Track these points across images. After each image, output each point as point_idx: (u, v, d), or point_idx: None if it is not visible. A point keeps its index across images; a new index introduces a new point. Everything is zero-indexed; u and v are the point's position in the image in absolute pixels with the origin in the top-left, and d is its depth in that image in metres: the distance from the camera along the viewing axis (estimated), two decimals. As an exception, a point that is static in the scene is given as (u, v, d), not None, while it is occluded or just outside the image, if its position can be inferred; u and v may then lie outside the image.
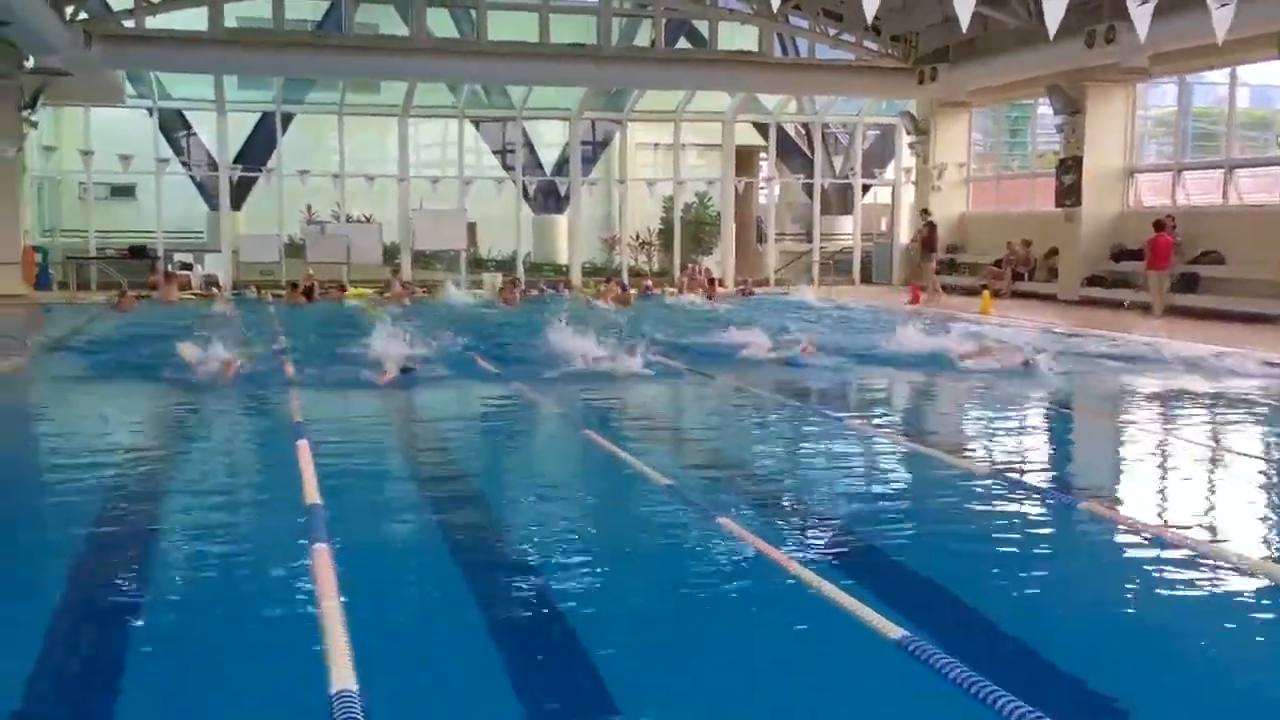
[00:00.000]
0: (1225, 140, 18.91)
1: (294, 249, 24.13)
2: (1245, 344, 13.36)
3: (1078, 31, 17.99)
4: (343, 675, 3.69)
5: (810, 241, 29.31)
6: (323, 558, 5.05)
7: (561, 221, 27.95)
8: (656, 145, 29.99)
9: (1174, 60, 18.07)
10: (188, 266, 23.35)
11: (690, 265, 25.31)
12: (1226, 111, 19.25)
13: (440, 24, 23.22)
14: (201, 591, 4.85)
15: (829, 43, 23.97)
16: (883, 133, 27.68)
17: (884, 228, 27.84)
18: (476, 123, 26.71)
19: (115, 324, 15.88)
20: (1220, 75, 19.36)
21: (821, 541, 5.56)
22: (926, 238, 22.11)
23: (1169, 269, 18.21)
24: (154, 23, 21.20)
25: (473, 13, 23.18)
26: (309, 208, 25.79)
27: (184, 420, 8.94)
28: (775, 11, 18.75)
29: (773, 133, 26.22)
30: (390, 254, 24.88)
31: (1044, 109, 24.76)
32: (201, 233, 25.95)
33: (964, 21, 11.03)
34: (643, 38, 24.85)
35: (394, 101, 24.57)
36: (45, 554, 5.36)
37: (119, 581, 4.93)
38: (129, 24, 20.85)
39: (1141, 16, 11.52)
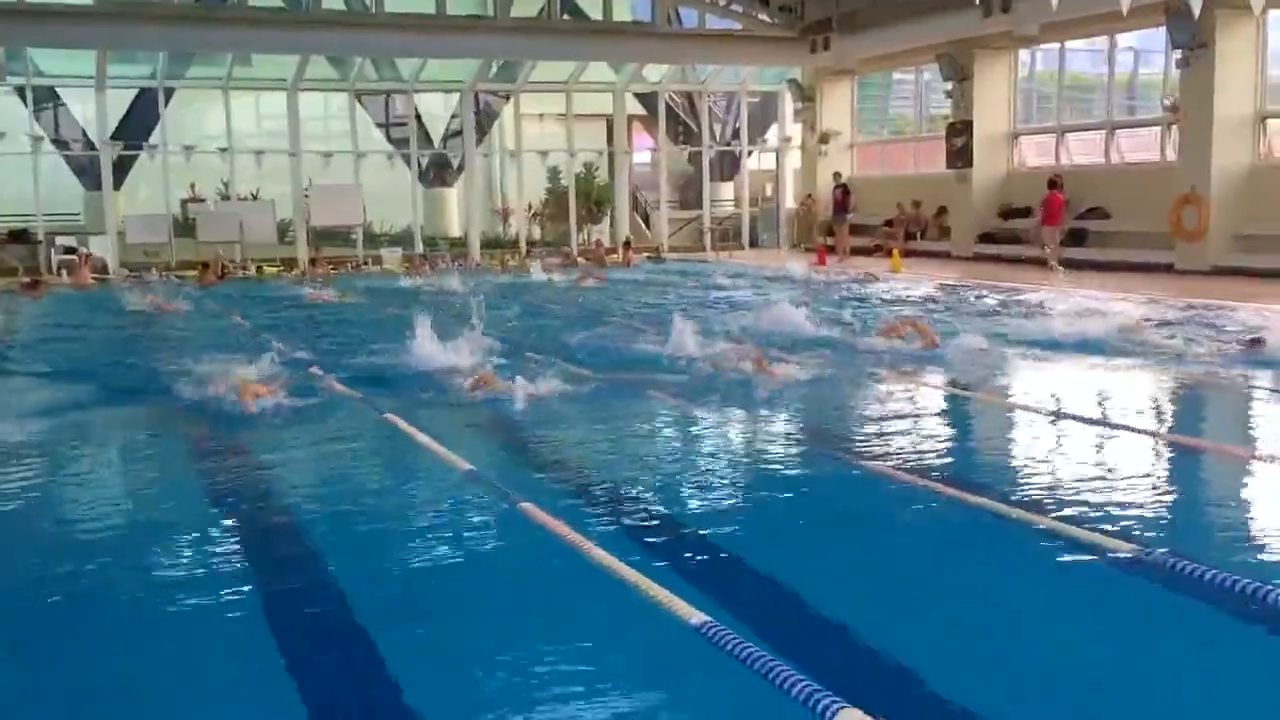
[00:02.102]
0: (1106, 103, 20.34)
1: (182, 229, 23.42)
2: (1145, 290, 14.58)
3: (972, 1, 19.10)
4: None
5: (686, 209, 30.07)
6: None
7: (451, 195, 27.85)
8: (520, 115, 29.98)
9: (1061, 29, 19.29)
10: (72, 250, 22.37)
11: (590, 234, 25.80)
12: (1098, 76, 20.74)
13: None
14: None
15: (718, 13, 24.54)
16: (762, 100, 28.46)
17: (769, 193, 28.66)
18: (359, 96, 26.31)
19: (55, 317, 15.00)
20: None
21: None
22: (840, 200, 22.96)
23: (1061, 224, 19.51)
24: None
25: (366, -15, 22.91)
26: (193, 186, 25.04)
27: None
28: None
29: (661, 102, 26.67)
30: (282, 231, 24.40)
31: (900, 76, 26.13)
32: (78, 214, 24.83)
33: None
34: (521, 9, 24.74)
35: (280, 75, 23.98)
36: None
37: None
38: (6, -1, 19.82)
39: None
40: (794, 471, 6.51)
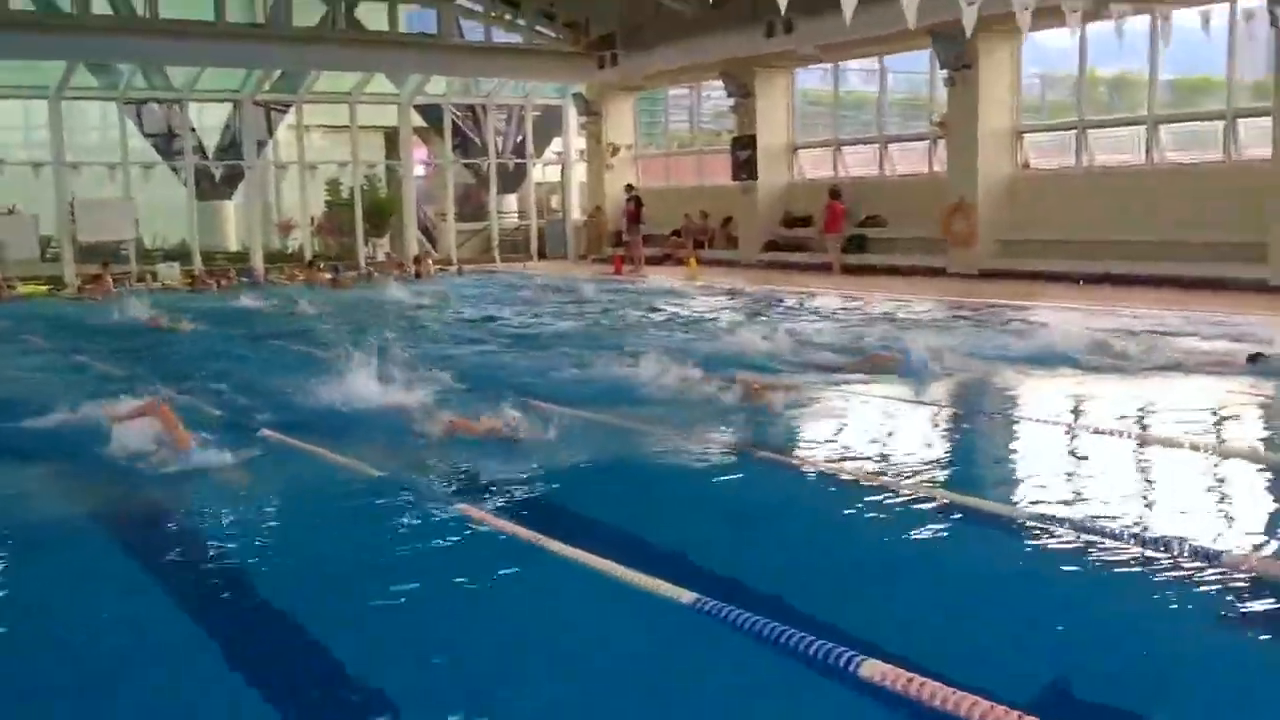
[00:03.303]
0: (878, 119, 21.73)
1: (-70, 247, 21.69)
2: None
3: (756, 20, 20.07)
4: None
5: (466, 221, 30.02)
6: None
7: (228, 207, 26.86)
8: (291, 127, 29.20)
9: (838, 49, 20.47)
10: None
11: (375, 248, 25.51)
12: (866, 94, 22.17)
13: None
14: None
15: (504, 27, 24.71)
16: (546, 113, 28.73)
17: (555, 205, 28.98)
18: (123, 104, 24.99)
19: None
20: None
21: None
22: (633, 212, 23.45)
23: (842, 232, 20.72)
24: None
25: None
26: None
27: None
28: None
29: (447, 115, 26.57)
30: (44, 248, 22.95)
31: (675, 91, 27.00)
32: None
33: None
34: (300, 19, 24.10)
35: (42, 83, 22.52)
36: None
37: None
38: None
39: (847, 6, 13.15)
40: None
